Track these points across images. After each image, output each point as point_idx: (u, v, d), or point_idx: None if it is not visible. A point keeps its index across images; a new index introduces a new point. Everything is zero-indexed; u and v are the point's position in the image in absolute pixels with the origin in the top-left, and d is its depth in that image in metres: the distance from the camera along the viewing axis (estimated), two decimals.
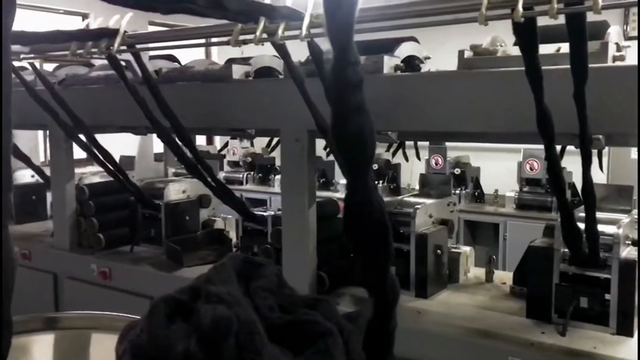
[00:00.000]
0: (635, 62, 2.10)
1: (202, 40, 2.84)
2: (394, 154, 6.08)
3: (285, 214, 3.00)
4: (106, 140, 3.68)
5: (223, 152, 7.88)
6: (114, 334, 1.00)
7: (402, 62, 2.72)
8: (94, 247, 3.83)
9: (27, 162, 4.39)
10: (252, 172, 7.59)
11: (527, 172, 5.66)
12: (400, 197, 3.18)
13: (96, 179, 4.13)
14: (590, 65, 1.90)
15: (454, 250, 3.10)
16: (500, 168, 6.36)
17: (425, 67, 2.93)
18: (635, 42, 2.93)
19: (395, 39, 2.80)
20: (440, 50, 3.56)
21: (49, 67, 4.31)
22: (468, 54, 2.49)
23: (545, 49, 2.07)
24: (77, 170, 4.13)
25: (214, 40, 2.69)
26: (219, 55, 7.83)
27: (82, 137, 3.59)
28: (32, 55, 3.34)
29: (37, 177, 4.63)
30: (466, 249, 3.18)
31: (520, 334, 2.40)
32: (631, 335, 2.32)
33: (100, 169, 3.72)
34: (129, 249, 3.81)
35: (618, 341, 2.31)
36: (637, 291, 2.30)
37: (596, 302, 2.38)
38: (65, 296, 3.88)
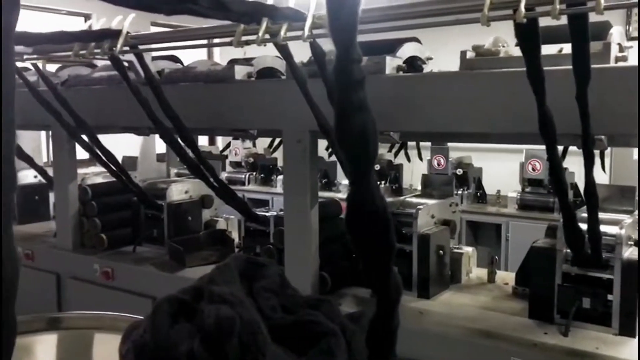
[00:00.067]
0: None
1: (205, 41, 2.84)
2: (396, 155, 6.08)
3: (287, 215, 3.00)
4: (109, 140, 3.68)
5: (225, 153, 7.89)
6: (116, 334, 1.00)
7: (404, 62, 2.72)
8: (96, 248, 3.84)
9: (30, 162, 4.40)
10: (254, 173, 7.59)
11: (529, 173, 5.66)
12: (402, 198, 3.18)
13: (99, 180, 4.13)
14: (592, 66, 1.90)
15: (456, 250, 3.10)
16: (502, 168, 6.36)
17: (427, 68, 2.93)
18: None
19: (398, 39, 2.80)
20: (443, 50, 3.57)
21: (51, 67, 4.32)
22: (470, 54, 2.50)
23: (547, 49, 2.07)
24: (80, 171, 4.13)
25: (216, 41, 2.69)
26: (221, 55, 7.84)
27: (84, 137, 3.59)
28: (35, 56, 3.35)
29: (39, 177, 4.64)
30: (468, 250, 3.18)
31: (522, 335, 2.40)
32: (634, 336, 2.32)
33: (103, 169, 3.73)
34: (131, 249, 3.82)
35: (621, 342, 2.31)
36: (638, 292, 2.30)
37: (599, 302, 2.38)
38: (68, 296, 3.88)
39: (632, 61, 2.28)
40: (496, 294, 2.93)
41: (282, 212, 3.18)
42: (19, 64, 3.54)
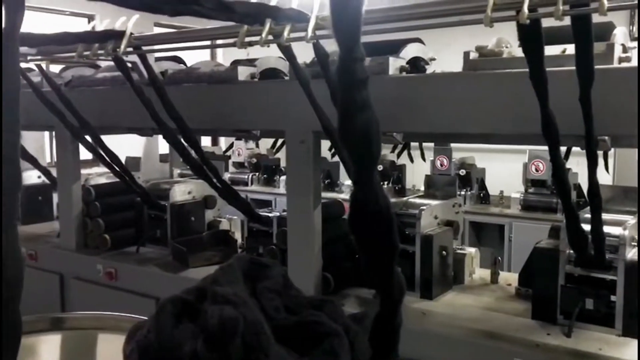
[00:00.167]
0: None
1: (208, 42, 2.84)
2: (399, 155, 6.08)
3: (290, 215, 3.01)
4: (112, 141, 3.69)
5: (228, 153, 7.90)
6: (120, 334, 1.00)
7: (407, 63, 2.72)
8: (100, 248, 3.85)
9: (34, 163, 4.41)
10: (257, 173, 7.60)
11: (532, 174, 5.66)
12: (405, 198, 3.18)
13: (102, 180, 4.14)
14: (596, 67, 1.90)
15: (459, 251, 3.10)
16: (505, 169, 6.35)
17: (430, 69, 2.93)
18: None
19: (401, 40, 2.80)
20: (446, 51, 3.56)
21: (55, 68, 4.33)
22: (473, 55, 2.49)
23: (550, 50, 2.07)
24: (83, 171, 4.14)
25: (219, 42, 2.70)
26: (224, 56, 7.85)
27: (88, 138, 3.60)
28: (38, 57, 3.36)
29: (43, 178, 4.65)
30: (471, 250, 3.18)
31: (525, 335, 2.40)
32: (637, 337, 2.31)
33: (106, 170, 3.74)
34: (134, 250, 3.82)
35: (624, 343, 2.31)
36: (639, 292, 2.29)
37: (602, 303, 2.38)
38: (71, 296, 3.89)
39: (636, 62, 2.27)
40: (499, 295, 2.92)
41: (285, 213, 3.18)
42: (22, 65, 3.55)
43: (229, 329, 0.78)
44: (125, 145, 4.48)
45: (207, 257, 3.58)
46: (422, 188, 3.59)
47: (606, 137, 2.15)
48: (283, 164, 7.04)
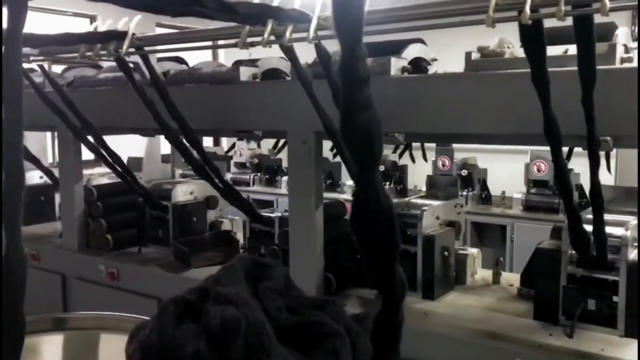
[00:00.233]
0: None
1: (210, 43, 2.85)
2: (400, 156, 6.08)
3: (292, 216, 3.01)
4: (114, 141, 3.70)
5: (230, 154, 7.90)
6: (122, 334, 1.01)
7: (409, 63, 2.72)
8: (102, 248, 3.85)
9: (36, 163, 4.42)
10: (259, 174, 7.60)
11: (534, 174, 5.65)
12: (407, 199, 3.18)
13: (104, 180, 4.15)
14: (598, 67, 1.90)
15: (461, 252, 3.10)
16: (507, 169, 6.35)
17: (432, 69, 2.93)
18: None
19: (403, 40, 2.80)
20: (448, 52, 3.56)
21: (57, 69, 4.34)
22: (475, 55, 2.49)
23: (552, 50, 2.07)
24: (86, 172, 4.15)
25: (221, 42, 2.70)
26: (226, 57, 7.85)
27: (90, 138, 3.61)
28: (41, 58, 3.37)
29: (45, 178, 4.65)
30: (473, 251, 3.18)
31: (527, 336, 2.40)
32: (637, 337, 2.31)
33: (108, 170, 3.74)
34: (136, 250, 3.83)
35: (626, 343, 2.31)
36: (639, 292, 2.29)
37: (604, 304, 2.37)
38: (73, 297, 3.89)
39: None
40: (501, 295, 2.92)
41: (286, 213, 3.18)
42: (25, 66, 3.56)
43: (231, 329, 0.78)
44: (127, 145, 4.49)
45: (209, 258, 3.59)
46: (424, 188, 3.59)
47: (608, 138, 2.15)
48: (285, 164, 7.04)
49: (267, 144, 7.35)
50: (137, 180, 3.77)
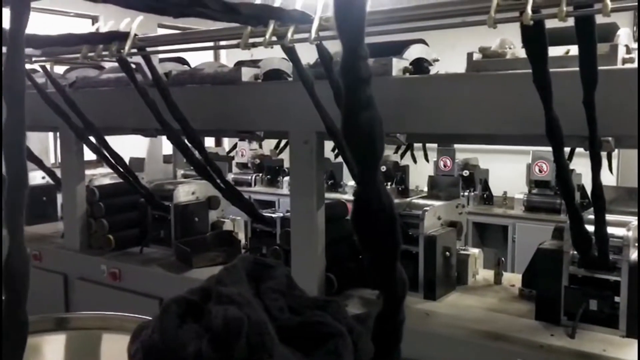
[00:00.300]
0: None
1: (212, 43, 2.85)
2: (402, 156, 6.08)
3: (293, 216, 3.01)
4: (116, 142, 3.70)
5: (232, 154, 7.90)
6: (124, 334, 1.01)
7: (410, 64, 2.72)
8: (104, 248, 3.86)
9: (38, 163, 4.42)
10: (260, 174, 7.61)
11: (536, 174, 5.65)
12: (408, 199, 3.18)
13: (106, 181, 4.15)
14: (599, 68, 1.90)
15: (462, 252, 3.10)
16: (509, 170, 6.34)
17: (433, 70, 2.93)
18: None
19: (404, 41, 2.80)
20: (449, 52, 3.56)
21: (59, 69, 4.34)
22: (477, 56, 2.49)
23: (553, 51, 2.07)
24: (88, 172, 4.15)
25: (223, 43, 2.70)
26: (228, 57, 7.85)
27: (92, 139, 3.61)
28: (43, 58, 3.38)
29: (47, 178, 4.66)
30: (475, 251, 3.18)
31: (529, 336, 2.40)
32: (637, 338, 2.31)
33: (110, 170, 3.74)
34: (138, 250, 3.83)
35: (627, 343, 2.30)
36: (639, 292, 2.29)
37: (605, 304, 2.37)
38: (75, 297, 3.90)
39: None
40: (503, 296, 2.92)
41: (288, 214, 3.18)
42: (27, 66, 3.56)
43: (233, 329, 0.78)
44: (129, 146, 4.49)
45: (211, 258, 3.59)
46: (426, 189, 3.59)
47: (610, 138, 2.15)
48: (286, 164, 7.05)
49: (269, 144, 7.35)
50: (139, 180, 3.77)
